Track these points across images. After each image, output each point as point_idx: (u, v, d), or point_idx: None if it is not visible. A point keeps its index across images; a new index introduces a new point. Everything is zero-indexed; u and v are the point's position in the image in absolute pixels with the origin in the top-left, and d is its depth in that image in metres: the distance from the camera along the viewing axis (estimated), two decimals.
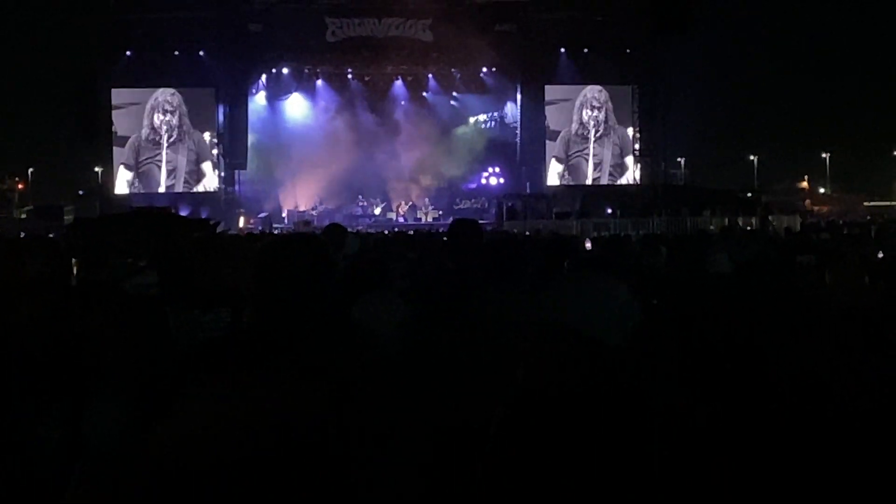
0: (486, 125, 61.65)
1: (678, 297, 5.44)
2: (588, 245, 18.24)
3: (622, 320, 3.69)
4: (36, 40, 52.51)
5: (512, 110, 59.72)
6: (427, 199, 58.38)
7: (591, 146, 59.68)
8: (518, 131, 59.02)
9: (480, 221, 31.35)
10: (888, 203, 66.30)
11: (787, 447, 3.81)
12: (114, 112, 55.23)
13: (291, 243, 3.78)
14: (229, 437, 1.27)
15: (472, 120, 61.39)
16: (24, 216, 51.18)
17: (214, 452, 1.26)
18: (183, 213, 44.74)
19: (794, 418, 3.92)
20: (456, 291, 6.10)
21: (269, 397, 1.31)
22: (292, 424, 1.32)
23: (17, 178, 59.08)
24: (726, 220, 41.33)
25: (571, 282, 3.92)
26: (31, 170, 59.15)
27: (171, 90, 55.66)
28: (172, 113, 55.83)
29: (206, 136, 56.16)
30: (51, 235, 22.47)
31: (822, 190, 70.57)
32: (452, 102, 60.53)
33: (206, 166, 56.29)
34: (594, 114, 59.61)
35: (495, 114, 61.41)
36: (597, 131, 59.68)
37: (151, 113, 55.54)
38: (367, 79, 58.54)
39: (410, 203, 58.24)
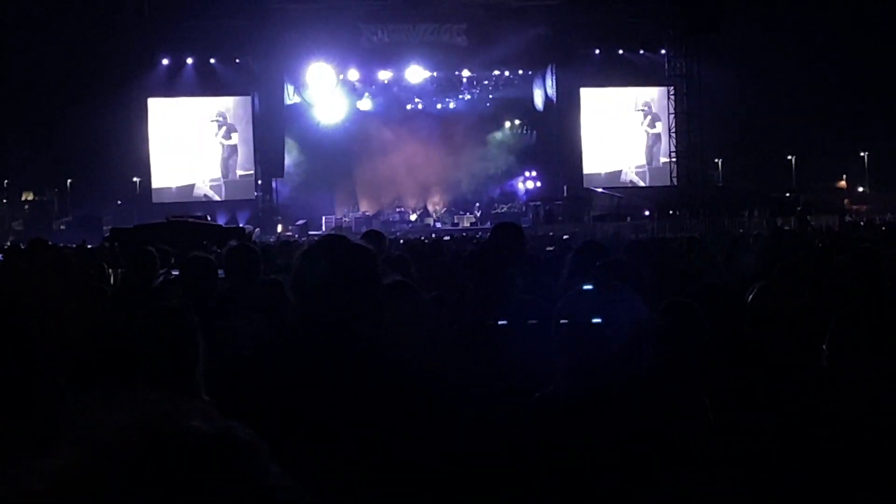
0: (521, 129, 61.61)
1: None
2: None
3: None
4: (71, 50, 52.61)
5: (548, 113, 59.61)
6: (464, 204, 58.44)
7: (628, 148, 59.59)
8: (554, 134, 58.93)
9: None
10: None
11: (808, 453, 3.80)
12: (150, 122, 55.60)
13: (328, 246, 3.76)
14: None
15: (507, 124, 61.35)
16: (63, 227, 51.38)
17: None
18: (220, 222, 44.92)
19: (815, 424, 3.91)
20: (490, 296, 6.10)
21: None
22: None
23: (56, 190, 59.45)
24: (764, 221, 41.06)
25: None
26: (69, 181, 59.40)
27: (208, 98, 55.97)
28: (209, 121, 56.13)
29: (243, 144, 56.42)
30: (89, 246, 22.59)
31: (860, 189, 70.00)
32: (488, 105, 60.54)
33: (244, 174, 56.54)
34: (630, 116, 59.54)
35: (530, 117, 61.34)
36: (633, 133, 59.59)
37: (188, 122, 55.85)
38: (401, 84, 58.57)
39: (448, 208, 58.32)
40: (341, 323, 3.58)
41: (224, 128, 56.42)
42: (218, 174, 56.51)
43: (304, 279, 3.68)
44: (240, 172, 56.68)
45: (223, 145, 56.54)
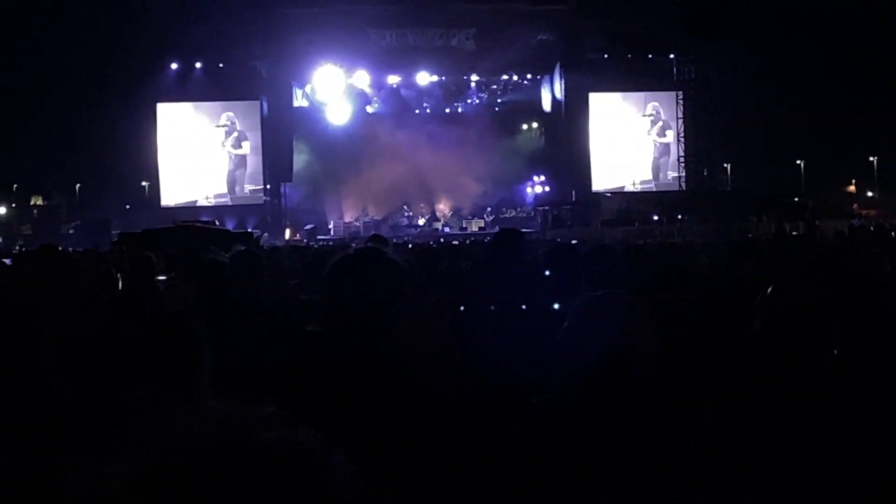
0: (529, 134, 61.57)
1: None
2: None
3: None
4: (80, 55, 52.81)
5: (556, 118, 59.54)
6: (472, 208, 58.42)
7: (637, 152, 59.44)
8: (562, 139, 58.83)
9: (525, 230, 31.19)
10: None
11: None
12: (160, 126, 55.61)
13: (363, 259, 3.79)
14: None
15: (515, 128, 61.32)
16: (71, 231, 51.47)
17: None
18: (228, 226, 44.96)
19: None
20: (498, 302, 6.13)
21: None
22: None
23: (64, 194, 59.57)
24: (773, 225, 41.03)
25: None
26: (78, 185, 59.55)
27: (217, 103, 55.94)
28: (218, 126, 56.10)
29: (247, 143, 56.38)
30: (101, 250, 22.61)
31: (869, 193, 69.96)
32: (496, 110, 60.50)
33: (249, 170, 56.49)
34: (639, 120, 59.41)
35: (539, 122, 61.32)
36: (642, 137, 59.46)
37: (197, 127, 55.83)
38: (410, 88, 58.57)
39: (456, 212, 58.29)
40: (367, 332, 3.62)
41: (234, 135, 56.29)
42: (224, 189, 56.31)
43: (337, 288, 3.72)
44: (248, 187, 56.42)
45: (231, 155, 56.37)
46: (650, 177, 59.53)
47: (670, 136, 57.38)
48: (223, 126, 56.06)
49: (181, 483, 1.23)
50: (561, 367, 3.69)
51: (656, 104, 58.91)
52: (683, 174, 52.48)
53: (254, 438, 1.30)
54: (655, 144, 59.47)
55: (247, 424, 1.34)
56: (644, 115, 59.41)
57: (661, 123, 59.04)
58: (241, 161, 56.58)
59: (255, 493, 1.23)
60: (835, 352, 3.87)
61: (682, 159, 52.81)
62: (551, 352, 3.76)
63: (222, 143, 56.19)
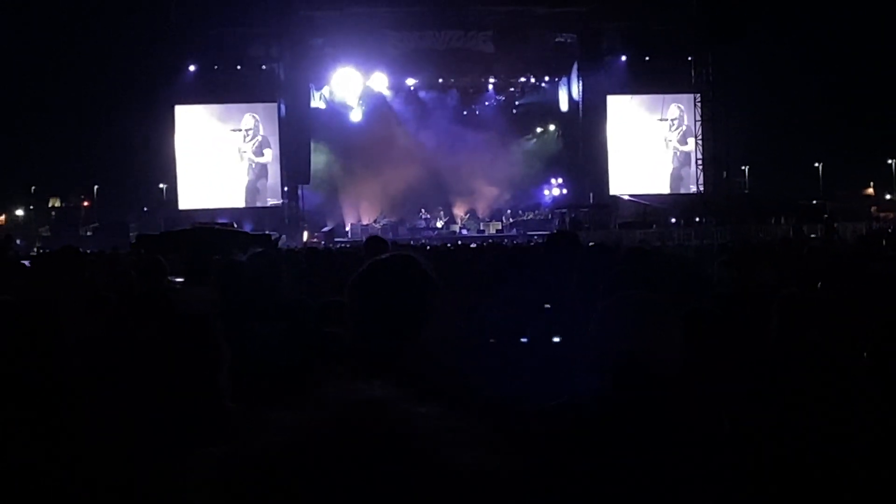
0: (547, 136, 61.47)
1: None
2: None
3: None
4: (99, 57, 52.97)
5: (574, 120, 59.35)
6: (490, 211, 58.35)
7: (654, 155, 59.19)
8: (580, 141, 58.63)
9: (542, 232, 31.26)
10: None
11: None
12: (177, 128, 55.59)
13: (395, 266, 3.80)
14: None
15: (533, 131, 61.26)
16: (89, 233, 51.58)
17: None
18: (246, 229, 44.95)
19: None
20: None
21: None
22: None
23: (82, 196, 59.66)
24: (791, 228, 40.95)
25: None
26: (96, 187, 59.69)
27: (234, 105, 55.87)
28: (235, 129, 56.03)
29: (270, 150, 56.27)
30: (120, 252, 22.64)
31: (888, 196, 69.73)
32: (514, 112, 60.46)
33: (270, 181, 56.39)
34: (656, 123, 59.15)
35: (557, 124, 61.19)
36: (660, 142, 59.20)
37: (214, 129, 55.81)
38: (428, 90, 58.52)
39: (473, 215, 58.21)
40: (393, 337, 3.63)
41: (257, 140, 55.97)
42: (242, 202, 55.89)
43: (367, 292, 3.72)
44: (269, 201, 56.07)
45: (252, 163, 56.04)
46: (668, 190, 58.92)
47: (692, 143, 56.75)
48: (242, 130, 55.87)
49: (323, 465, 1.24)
50: (584, 367, 3.69)
51: (680, 106, 58.25)
52: (702, 184, 52.32)
53: (385, 415, 1.32)
54: (675, 153, 58.84)
55: (371, 404, 1.36)
56: (662, 119, 58.98)
57: (683, 129, 58.42)
58: (261, 171, 56.22)
59: (393, 466, 1.24)
60: (864, 354, 3.85)
61: (700, 162, 52.66)
62: (560, 360, 3.76)
63: (240, 148, 55.94)
